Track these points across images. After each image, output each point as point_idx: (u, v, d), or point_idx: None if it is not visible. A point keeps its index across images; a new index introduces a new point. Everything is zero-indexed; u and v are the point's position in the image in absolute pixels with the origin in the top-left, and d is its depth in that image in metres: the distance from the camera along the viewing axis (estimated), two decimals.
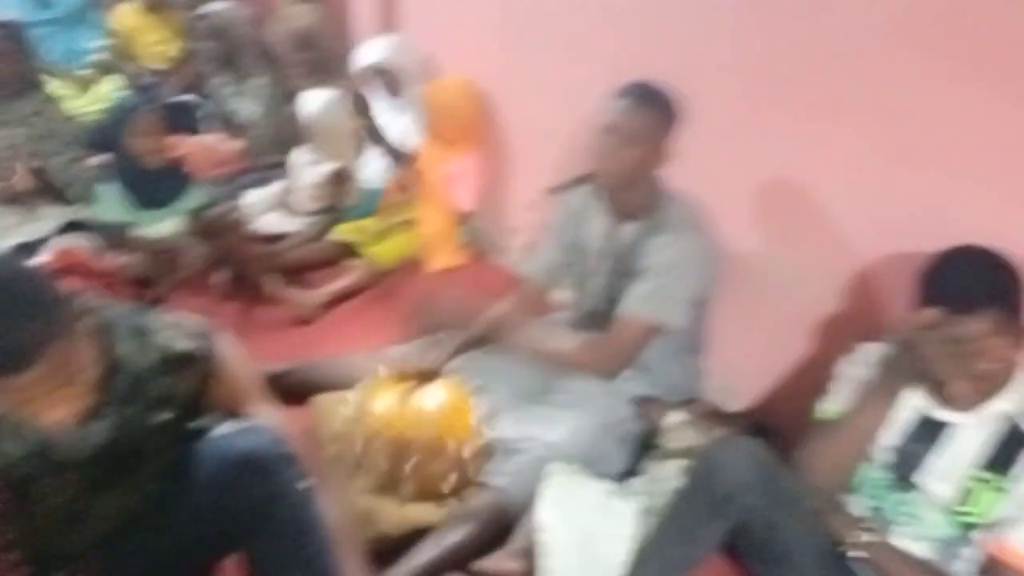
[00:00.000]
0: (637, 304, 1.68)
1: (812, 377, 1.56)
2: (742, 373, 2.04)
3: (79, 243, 2.37)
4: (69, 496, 1.23)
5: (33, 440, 1.18)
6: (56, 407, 1.08)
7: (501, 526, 1.58)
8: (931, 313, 1.18)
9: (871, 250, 1.66)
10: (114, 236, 2.48)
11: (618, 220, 1.79)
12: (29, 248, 2.33)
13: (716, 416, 1.84)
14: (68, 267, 2.27)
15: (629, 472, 1.74)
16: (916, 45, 1.48)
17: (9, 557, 1.30)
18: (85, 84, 3.74)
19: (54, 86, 3.60)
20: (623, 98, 1.64)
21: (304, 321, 2.46)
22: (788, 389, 1.92)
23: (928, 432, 1.31)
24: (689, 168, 1.82)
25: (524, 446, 1.67)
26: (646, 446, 1.78)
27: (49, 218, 2.42)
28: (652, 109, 1.62)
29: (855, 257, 1.70)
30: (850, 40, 1.59)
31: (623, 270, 1.76)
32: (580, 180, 1.85)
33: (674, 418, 1.73)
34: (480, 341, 1.89)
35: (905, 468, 1.32)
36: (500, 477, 1.65)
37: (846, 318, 1.75)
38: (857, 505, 1.38)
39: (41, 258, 2.29)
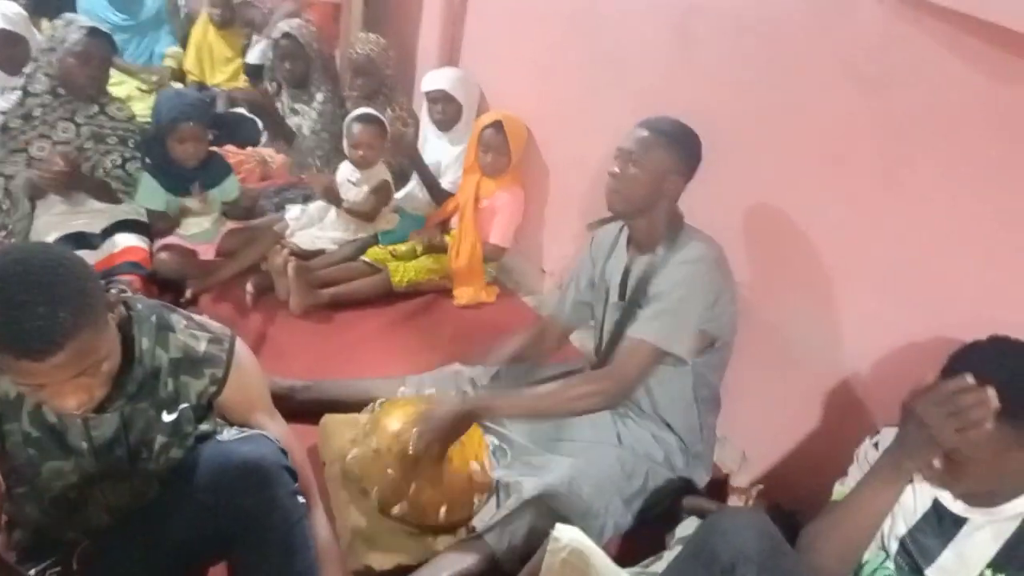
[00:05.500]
0: (641, 327, 1.67)
1: (833, 456, 1.50)
2: (758, 442, 1.98)
3: (132, 242, 2.45)
4: (72, 482, 1.25)
5: (43, 424, 1.20)
6: (73, 394, 1.09)
7: (496, 569, 1.55)
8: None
9: (913, 333, 1.59)
10: (157, 226, 2.57)
11: (636, 252, 1.79)
12: (77, 240, 2.39)
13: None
14: (118, 263, 2.35)
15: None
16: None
17: (10, 537, 1.32)
18: (154, 88, 3.90)
19: (129, 87, 3.77)
20: (639, 128, 1.70)
21: (299, 314, 2.53)
22: (807, 466, 1.84)
23: (943, 525, 1.25)
24: (721, 217, 1.82)
25: (520, 488, 1.64)
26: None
27: (99, 214, 2.49)
28: (665, 141, 1.66)
29: (893, 336, 1.63)
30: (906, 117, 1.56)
31: (636, 300, 1.74)
32: (614, 217, 1.85)
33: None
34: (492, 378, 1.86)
35: (916, 559, 1.27)
36: (489, 518, 1.62)
37: (876, 398, 1.68)
38: None
39: (94, 252, 2.36)
